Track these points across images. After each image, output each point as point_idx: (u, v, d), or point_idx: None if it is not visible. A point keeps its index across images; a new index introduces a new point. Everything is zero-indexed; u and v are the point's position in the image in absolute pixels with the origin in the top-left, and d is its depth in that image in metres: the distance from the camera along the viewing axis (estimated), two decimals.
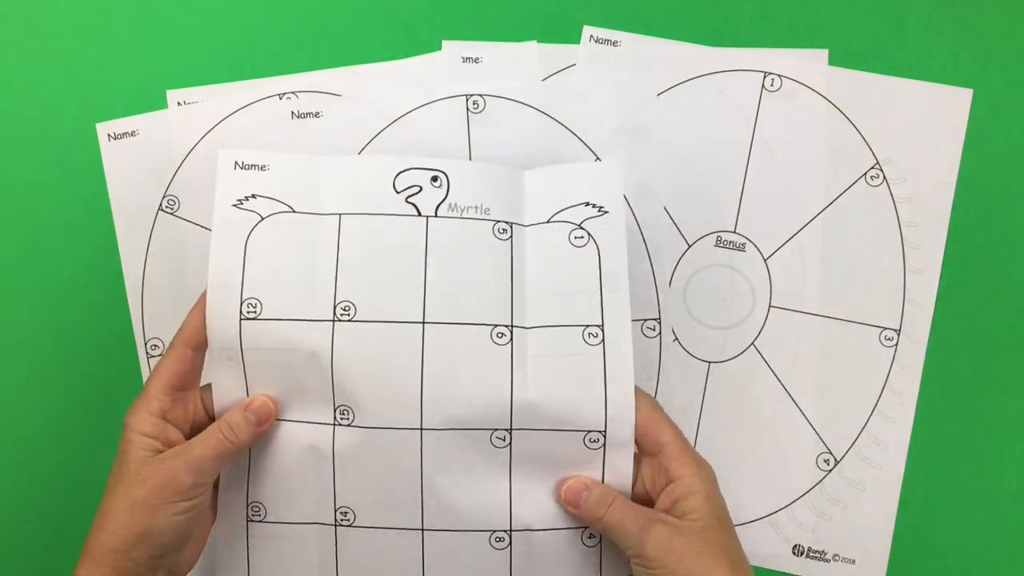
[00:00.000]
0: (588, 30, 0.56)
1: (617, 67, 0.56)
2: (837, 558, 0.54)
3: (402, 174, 0.49)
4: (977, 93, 0.54)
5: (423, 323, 0.47)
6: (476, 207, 0.49)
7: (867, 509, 0.54)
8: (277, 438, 0.48)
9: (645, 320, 0.55)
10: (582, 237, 0.49)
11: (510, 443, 0.48)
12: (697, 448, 0.54)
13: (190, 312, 0.48)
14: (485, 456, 0.48)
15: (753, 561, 0.54)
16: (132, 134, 0.56)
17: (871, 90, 0.55)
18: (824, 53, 0.55)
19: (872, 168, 0.55)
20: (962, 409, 0.54)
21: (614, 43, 0.56)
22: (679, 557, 0.43)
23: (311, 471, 0.48)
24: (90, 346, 0.56)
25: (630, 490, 0.48)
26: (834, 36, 0.55)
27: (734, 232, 0.55)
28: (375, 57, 0.56)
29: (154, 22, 0.57)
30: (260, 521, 0.49)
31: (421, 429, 0.47)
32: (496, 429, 0.47)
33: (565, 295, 0.48)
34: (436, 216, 0.48)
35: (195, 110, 0.56)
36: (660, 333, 0.55)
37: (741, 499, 0.54)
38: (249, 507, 0.49)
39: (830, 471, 0.54)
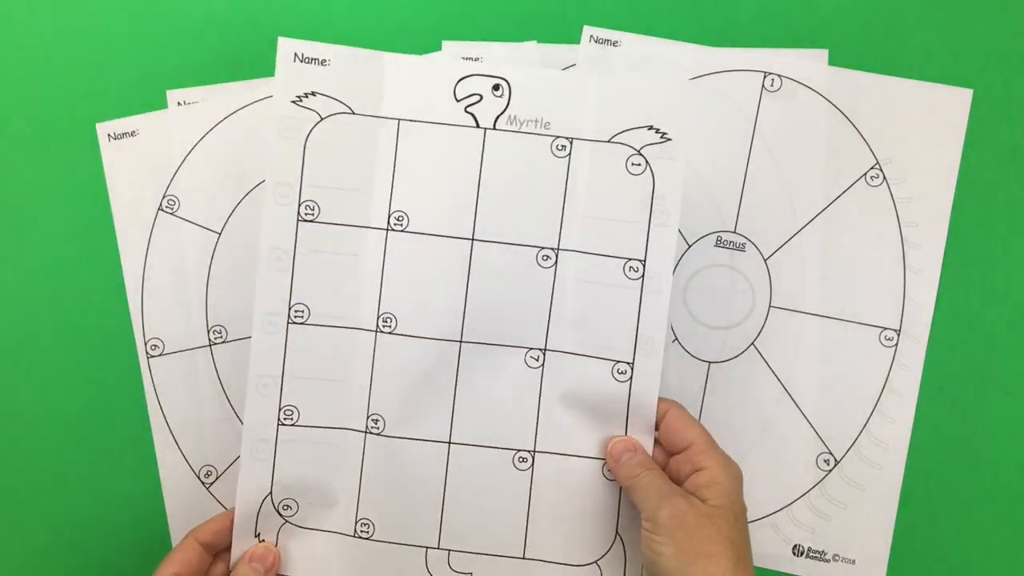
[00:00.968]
0: (588, 30, 0.56)
1: (617, 67, 0.56)
2: (837, 558, 0.54)
3: (463, 81, 0.49)
4: (977, 93, 0.54)
5: (472, 239, 0.49)
6: (536, 120, 0.49)
7: (867, 509, 0.54)
8: (317, 342, 0.49)
9: None
10: (640, 164, 0.49)
11: (543, 364, 0.49)
12: None
13: (219, 514, 0.51)
14: (518, 374, 0.49)
15: (753, 561, 0.54)
16: (132, 134, 0.56)
17: (871, 90, 0.55)
18: (824, 53, 0.55)
19: (872, 168, 0.55)
20: (962, 409, 0.54)
21: (614, 43, 0.56)
22: (688, 534, 0.44)
23: (347, 376, 0.49)
24: (90, 346, 0.56)
25: (653, 434, 0.49)
26: (834, 36, 0.55)
27: (734, 232, 0.55)
28: None
29: (154, 22, 0.57)
30: (292, 425, 0.50)
31: (461, 342, 0.49)
32: (531, 348, 0.49)
33: (613, 222, 0.49)
34: (494, 129, 0.49)
35: (195, 110, 0.56)
36: None
37: None
38: (282, 411, 0.50)
39: (830, 471, 0.54)
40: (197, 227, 0.56)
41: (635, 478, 0.47)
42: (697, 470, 0.47)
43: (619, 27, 0.56)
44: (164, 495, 0.56)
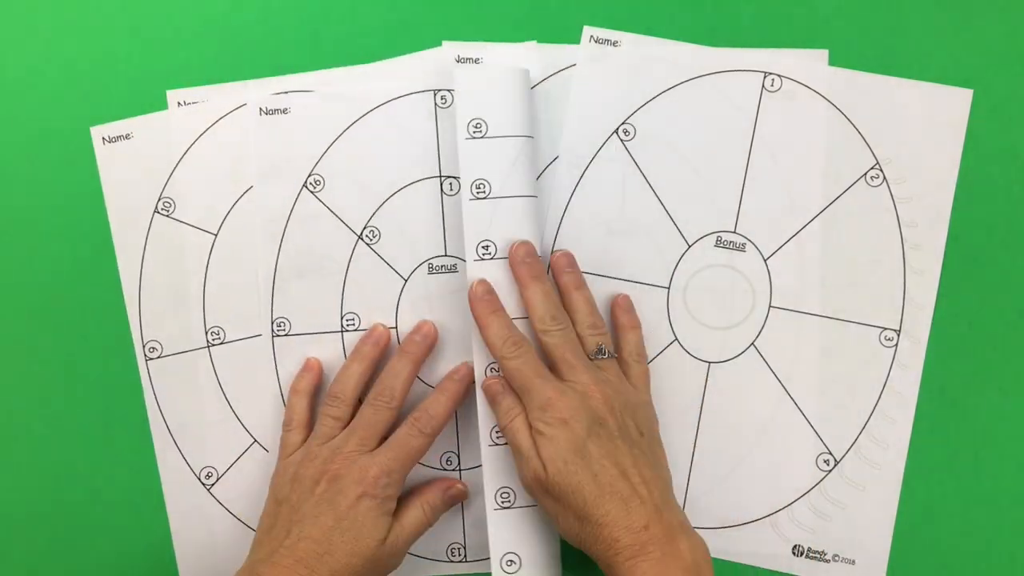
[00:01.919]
0: (588, 30, 0.56)
1: (617, 67, 0.56)
2: (837, 558, 0.54)
3: None
4: (977, 93, 0.54)
5: None
6: None
7: (867, 509, 0.54)
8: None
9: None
10: None
11: None
12: (697, 448, 0.55)
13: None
14: None
15: (753, 561, 0.54)
16: (127, 137, 0.56)
17: (871, 90, 0.55)
18: (824, 53, 0.55)
19: (872, 168, 0.55)
20: (962, 409, 0.54)
21: (614, 43, 0.56)
22: None
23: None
24: (88, 349, 0.56)
25: None
26: (834, 36, 0.55)
27: (734, 232, 0.55)
28: (375, 57, 0.56)
29: (154, 22, 0.57)
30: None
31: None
32: None
33: None
34: None
35: (195, 110, 0.56)
36: None
37: (741, 499, 0.54)
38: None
39: (830, 471, 0.54)
40: (193, 228, 0.56)
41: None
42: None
43: (619, 27, 0.56)
44: (164, 496, 0.56)
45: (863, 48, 0.55)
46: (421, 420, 0.51)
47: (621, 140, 0.56)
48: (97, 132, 0.56)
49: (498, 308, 0.51)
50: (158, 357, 0.56)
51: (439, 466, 0.56)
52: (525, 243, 0.52)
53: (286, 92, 0.56)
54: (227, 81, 0.56)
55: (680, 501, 0.54)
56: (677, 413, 0.55)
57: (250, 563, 0.48)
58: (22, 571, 0.56)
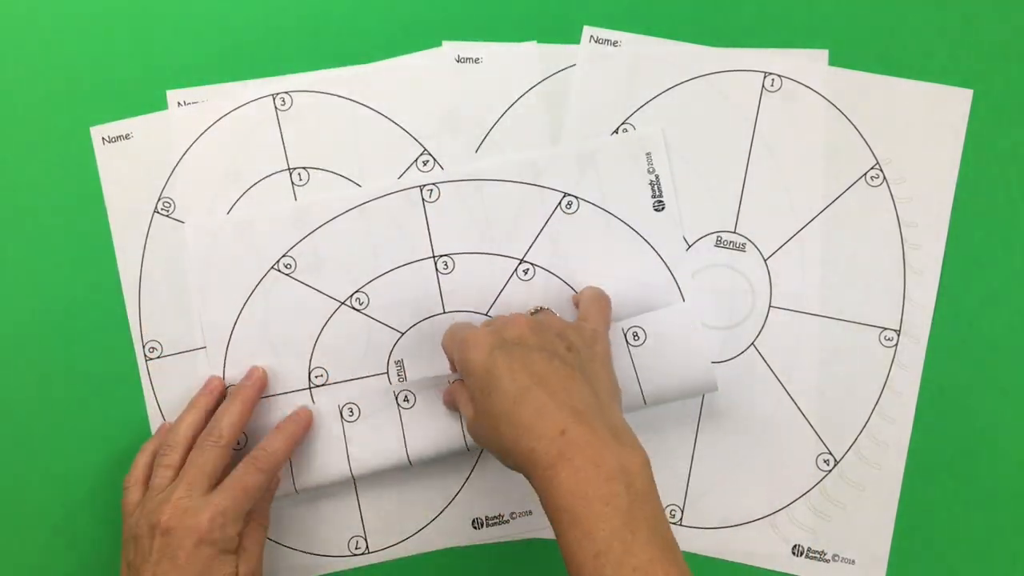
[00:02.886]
0: (588, 30, 0.56)
1: (617, 67, 0.56)
2: (837, 558, 0.54)
3: None
4: (977, 93, 0.54)
5: None
6: None
7: (867, 509, 0.54)
8: None
9: None
10: None
11: None
12: (697, 448, 0.54)
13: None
14: None
15: (752, 561, 0.54)
16: (126, 137, 0.56)
17: (871, 90, 0.55)
18: (824, 53, 0.55)
19: (872, 168, 0.55)
20: (962, 409, 0.54)
21: (614, 43, 0.56)
22: None
23: None
24: (88, 349, 0.56)
25: None
26: (834, 36, 0.55)
27: (734, 232, 0.55)
28: (375, 57, 0.56)
29: (154, 22, 0.57)
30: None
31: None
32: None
33: None
34: None
35: (195, 110, 0.56)
36: None
37: (740, 499, 0.54)
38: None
39: (830, 471, 0.54)
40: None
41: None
42: None
43: (619, 27, 0.56)
44: None
45: (863, 48, 0.55)
46: (259, 458, 0.50)
47: None
48: (97, 132, 0.56)
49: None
50: (158, 357, 0.56)
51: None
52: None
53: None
54: (227, 81, 0.56)
55: (680, 500, 0.54)
56: (677, 413, 0.55)
57: None
58: (22, 571, 0.56)
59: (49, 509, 0.56)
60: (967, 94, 0.54)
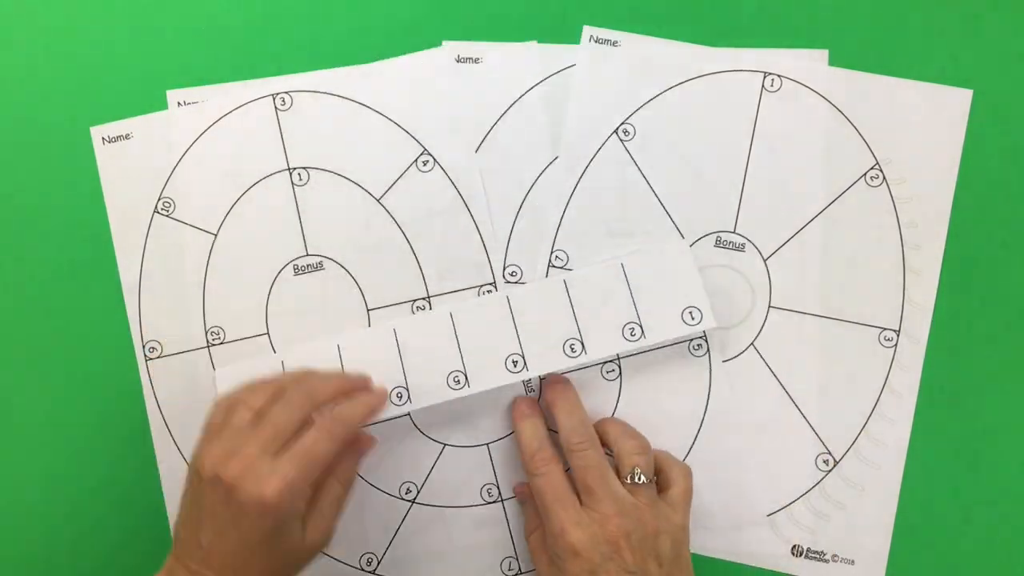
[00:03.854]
0: (588, 30, 0.56)
1: (617, 67, 0.56)
2: (836, 558, 0.54)
3: None
4: (977, 93, 0.54)
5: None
6: None
7: (866, 509, 0.54)
8: None
9: None
10: None
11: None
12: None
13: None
14: None
15: (751, 561, 0.54)
16: (127, 137, 0.56)
17: (871, 90, 0.55)
18: (824, 53, 0.55)
19: (872, 168, 0.55)
20: (961, 409, 0.54)
21: (614, 43, 0.56)
22: None
23: None
24: (88, 350, 0.56)
25: None
26: (834, 36, 0.55)
27: (734, 232, 0.55)
28: (375, 57, 0.56)
29: (154, 22, 0.57)
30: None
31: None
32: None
33: None
34: None
35: (195, 110, 0.56)
36: None
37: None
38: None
39: (829, 471, 0.54)
40: (193, 229, 0.56)
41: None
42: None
43: (619, 27, 0.56)
44: (164, 496, 0.56)
45: (863, 48, 0.55)
46: (334, 428, 0.46)
47: (621, 140, 0.56)
48: (97, 132, 0.56)
49: (530, 414, 0.52)
50: (158, 357, 0.56)
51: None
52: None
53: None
54: (227, 81, 0.56)
55: None
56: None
57: (171, 564, 0.45)
58: (22, 571, 0.56)
59: (49, 509, 0.56)
60: (967, 94, 0.54)
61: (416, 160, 0.56)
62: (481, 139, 0.56)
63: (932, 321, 0.54)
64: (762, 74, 0.55)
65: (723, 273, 0.55)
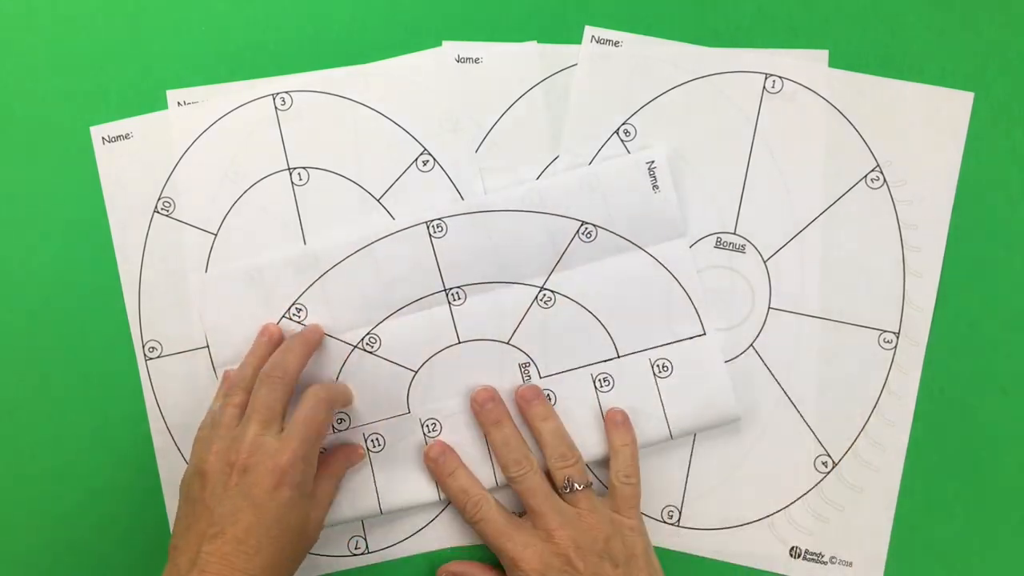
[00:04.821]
0: (590, 30, 0.55)
1: (618, 67, 0.55)
2: (834, 560, 0.54)
3: None
4: (978, 95, 0.54)
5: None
6: None
7: (865, 511, 0.54)
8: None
9: None
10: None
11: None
12: (695, 449, 0.55)
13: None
14: None
15: (749, 562, 0.54)
16: (126, 136, 0.56)
17: (872, 92, 0.54)
18: (825, 54, 0.55)
19: (872, 170, 0.54)
20: (961, 412, 0.54)
21: (615, 43, 0.56)
22: None
23: None
24: (88, 349, 0.56)
25: None
26: (834, 37, 0.55)
27: (734, 233, 0.55)
28: (375, 57, 0.56)
29: (154, 22, 0.57)
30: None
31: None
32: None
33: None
34: None
35: (194, 110, 0.56)
36: None
37: (739, 500, 0.54)
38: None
39: (828, 473, 0.54)
40: (193, 228, 0.56)
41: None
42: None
43: (620, 27, 0.55)
44: (164, 496, 0.56)
45: (863, 49, 0.55)
46: (318, 393, 0.49)
47: (622, 140, 0.55)
48: (97, 132, 0.56)
49: (452, 469, 0.53)
50: (158, 357, 0.56)
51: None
52: (486, 388, 0.54)
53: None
54: (227, 81, 0.56)
55: (678, 501, 0.55)
56: None
57: (175, 570, 0.45)
58: (22, 571, 0.56)
59: (49, 509, 0.56)
60: (968, 97, 0.54)
61: (416, 160, 0.56)
62: (481, 139, 0.56)
63: (932, 323, 0.54)
64: (763, 75, 0.55)
65: (723, 274, 0.55)
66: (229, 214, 0.56)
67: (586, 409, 0.54)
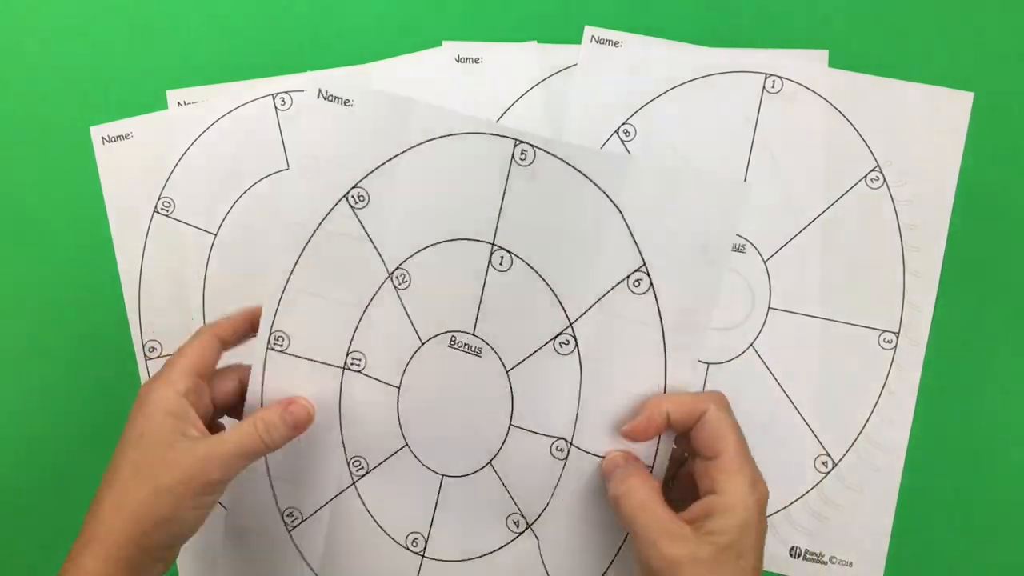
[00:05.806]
0: (589, 30, 0.55)
1: (618, 67, 0.56)
2: (834, 560, 0.54)
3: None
4: (978, 95, 0.54)
5: None
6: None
7: (865, 511, 0.54)
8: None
9: None
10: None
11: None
12: None
13: (239, 310, 0.48)
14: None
15: None
16: (126, 137, 0.56)
17: (872, 92, 0.54)
18: (824, 54, 0.55)
19: (872, 170, 0.54)
20: (961, 411, 0.54)
21: (615, 43, 0.56)
22: None
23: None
24: (88, 349, 0.56)
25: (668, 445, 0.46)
26: (834, 37, 0.55)
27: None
28: (375, 57, 0.56)
29: (154, 22, 0.57)
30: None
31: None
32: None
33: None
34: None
35: (194, 110, 0.56)
36: None
37: None
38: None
39: (828, 473, 0.54)
40: (193, 228, 0.56)
41: (619, 498, 0.43)
42: (712, 492, 0.42)
43: (620, 27, 0.55)
44: None
45: (863, 49, 0.55)
46: (209, 326, 0.47)
47: (622, 140, 0.56)
48: (97, 132, 0.56)
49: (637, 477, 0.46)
50: (158, 357, 0.56)
51: None
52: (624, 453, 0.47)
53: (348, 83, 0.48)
54: (227, 81, 0.56)
55: None
56: None
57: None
58: (22, 571, 0.56)
59: (49, 509, 0.56)
60: (968, 97, 0.54)
61: None
62: None
63: (932, 323, 0.54)
64: (763, 75, 0.55)
65: None
66: (229, 214, 0.56)
67: (549, 385, 0.47)
